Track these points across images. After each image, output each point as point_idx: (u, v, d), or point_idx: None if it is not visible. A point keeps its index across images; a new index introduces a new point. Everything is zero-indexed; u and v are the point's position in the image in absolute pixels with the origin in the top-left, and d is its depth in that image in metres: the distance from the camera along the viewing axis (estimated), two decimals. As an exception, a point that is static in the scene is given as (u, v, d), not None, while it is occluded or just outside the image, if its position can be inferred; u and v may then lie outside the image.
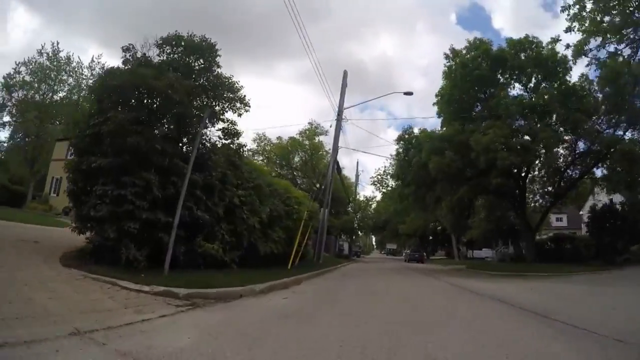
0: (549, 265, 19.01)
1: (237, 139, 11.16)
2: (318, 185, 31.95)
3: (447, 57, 22.70)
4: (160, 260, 7.61)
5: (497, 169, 18.62)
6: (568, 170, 23.49)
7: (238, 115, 11.31)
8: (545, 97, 19.66)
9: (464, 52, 22.15)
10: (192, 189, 8.30)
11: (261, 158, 39.59)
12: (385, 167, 39.15)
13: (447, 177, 19.19)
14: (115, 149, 7.88)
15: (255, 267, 10.71)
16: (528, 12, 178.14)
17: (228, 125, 11.15)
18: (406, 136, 22.97)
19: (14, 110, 34.58)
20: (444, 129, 21.29)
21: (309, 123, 39.75)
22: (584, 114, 18.85)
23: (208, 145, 10.37)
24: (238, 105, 11.09)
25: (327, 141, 37.25)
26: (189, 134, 9.20)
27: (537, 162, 21.24)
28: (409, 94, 24.19)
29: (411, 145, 22.27)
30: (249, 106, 11.22)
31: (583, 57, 19.21)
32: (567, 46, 19.28)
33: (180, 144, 9.23)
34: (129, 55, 9.43)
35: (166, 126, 8.81)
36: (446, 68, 22.58)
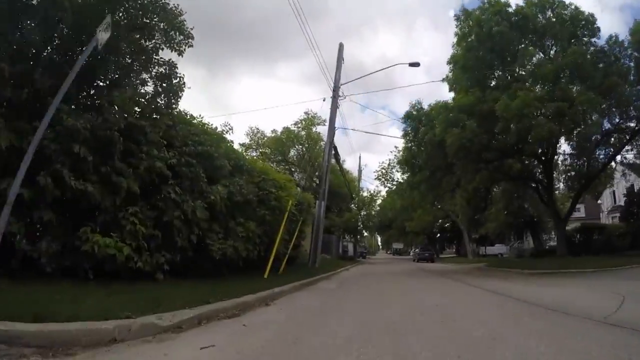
0: (584, 258, 16.27)
1: (180, 90, 7.73)
2: (318, 181, 28.54)
3: (457, 18, 19.28)
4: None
5: (529, 144, 15.20)
6: (597, 150, 20.52)
7: (178, 54, 7.88)
8: (577, 57, 16.19)
9: (477, 12, 18.68)
10: (69, 142, 4.84)
11: (254, 154, 36.11)
12: (390, 160, 35.30)
13: (469, 155, 15.57)
14: None
15: (207, 278, 7.27)
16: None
17: (165, 69, 7.75)
18: (414, 112, 19.31)
19: None
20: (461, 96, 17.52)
21: (305, 113, 36.10)
22: (618, 77, 15.74)
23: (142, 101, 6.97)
24: (177, 38, 7.65)
25: (325, 132, 33.62)
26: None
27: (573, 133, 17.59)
28: (416, 65, 20.59)
29: (421, 123, 18.62)
30: (192, 38, 7.77)
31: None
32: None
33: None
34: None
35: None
36: (458, 31, 19.07)
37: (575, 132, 16.26)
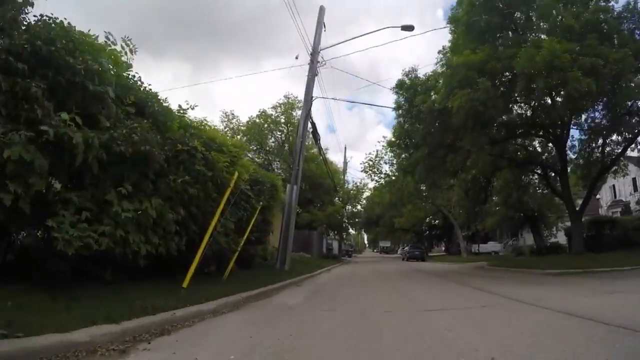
0: (605, 255, 14.13)
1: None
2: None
3: (456, -28, 16.12)
4: None
5: (548, 115, 12.09)
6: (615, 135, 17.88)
7: None
8: (600, 14, 13.24)
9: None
10: None
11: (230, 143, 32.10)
12: (377, 150, 31.84)
13: (480, 124, 12.31)
14: None
15: (58, 285, 3.93)
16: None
17: None
18: (408, 82, 15.97)
19: None
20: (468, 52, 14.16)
21: (284, 96, 32.57)
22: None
23: None
24: None
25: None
26: None
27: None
28: (409, 28, 17.34)
29: (416, 92, 15.26)
30: None
31: None
32: None
33: None
34: None
35: None
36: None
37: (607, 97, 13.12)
